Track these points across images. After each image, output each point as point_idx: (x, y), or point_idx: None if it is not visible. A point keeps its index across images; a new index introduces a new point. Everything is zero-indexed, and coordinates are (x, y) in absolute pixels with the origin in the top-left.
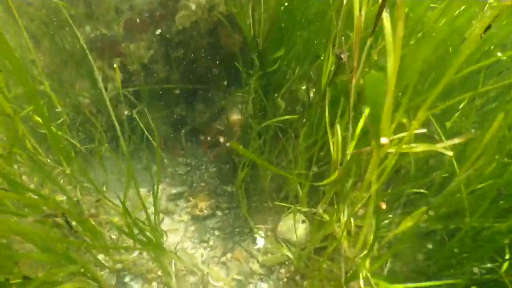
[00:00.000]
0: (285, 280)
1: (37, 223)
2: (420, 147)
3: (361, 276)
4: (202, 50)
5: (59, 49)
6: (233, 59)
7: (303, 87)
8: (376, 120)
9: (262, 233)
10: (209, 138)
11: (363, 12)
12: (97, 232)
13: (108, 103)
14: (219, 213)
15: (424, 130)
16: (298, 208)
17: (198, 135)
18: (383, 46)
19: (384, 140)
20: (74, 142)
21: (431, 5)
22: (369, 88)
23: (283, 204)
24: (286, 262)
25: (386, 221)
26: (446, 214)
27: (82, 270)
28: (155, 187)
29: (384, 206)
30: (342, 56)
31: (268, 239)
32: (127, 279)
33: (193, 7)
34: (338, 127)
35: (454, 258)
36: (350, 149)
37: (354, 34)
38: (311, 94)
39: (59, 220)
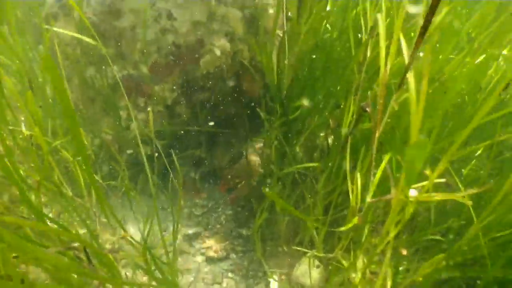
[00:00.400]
0: None
1: (59, 254)
2: (439, 196)
3: None
4: (225, 95)
5: (88, 87)
6: (254, 105)
7: (322, 135)
8: (411, 179)
9: (276, 277)
10: (227, 181)
11: (388, 68)
12: (115, 268)
13: (138, 137)
14: (233, 255)
15: (444, 180)
16: (315, 253)
17: (217, 177)
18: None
19: (413, 192)
20: (97, 178)
21: (450, 56)
22: (412, 152)
23: (299, 248)
24: None
25: (401, 268)
26: (464, 262)
27: None
28: (175, 225)
29: (405, 252)
30: (367, 109)
31: (282, 283)
32: None
33: (218, 52)
34: (358, 174)
35: None
36: (370, 196)
37: (379, 88)
38: (330, 142)
39: (79, 253)
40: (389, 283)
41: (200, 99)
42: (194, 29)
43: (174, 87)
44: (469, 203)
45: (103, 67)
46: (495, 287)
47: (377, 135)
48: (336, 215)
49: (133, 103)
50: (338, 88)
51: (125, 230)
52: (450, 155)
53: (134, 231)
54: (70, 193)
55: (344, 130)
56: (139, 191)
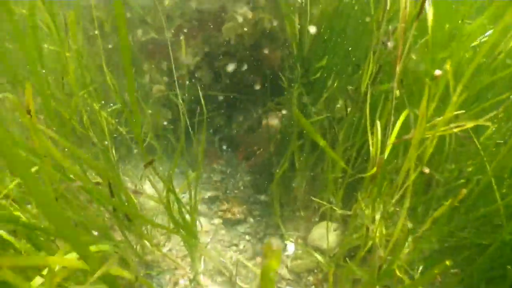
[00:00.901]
0: (313, 287)
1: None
2: (458, 127)
3: (396, 267)
4: (245, 62)
5: (111, 50)
6: (274, 72)
7: (339, 105)
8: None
9: (292, 240)
10: (245, 148)
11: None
12: (135, 208)
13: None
14: (250, 219)
15: (463, 112)
16: (333, 210)
17: (235, 144)
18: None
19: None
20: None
21: None
22: None
23: (317, 200)
24: (315, 270)
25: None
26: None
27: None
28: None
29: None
30: (388, 43)
31: (298, 246)
32: (154, 273)
33: (240, 19)
34: (378, 124)
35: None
36: (392, 138)
37: (399, 24)
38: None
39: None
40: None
41: (221, 65)
42: None
43: (197, 52)
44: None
45: (128, 31)
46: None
47: (398, 69)
48: (354, 175)
49: (157, 66)
50: (358, 50)
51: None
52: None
53: (152, 192)
54: (96, 139)
55: (363, 86)
56: (160, 154)
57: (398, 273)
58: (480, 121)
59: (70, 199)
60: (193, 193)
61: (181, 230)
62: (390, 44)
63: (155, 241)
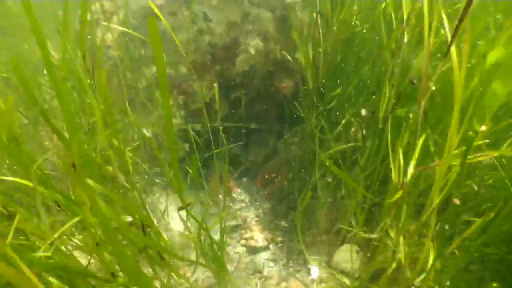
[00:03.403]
0: None
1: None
2: (486, 156)
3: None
4: (259, 92)
5: (127, 87)
6: (287, 101)
7: (353, 129)
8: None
9: (316, 264)
10: (263, 176)
11: (431, 41)
12: (167, 247)
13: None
14: (273, 246)
15: (487, 141)
16: (357, 231)
17: (253, 173)
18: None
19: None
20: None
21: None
22: None
23: (341, 226)
24: None
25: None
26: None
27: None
28: (222, 206)
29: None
30: (414, 81)
31: (322, 269)
32: None
33: (253, 51)
34: (400, 150)
35: None
36: (413, 167)
37: (423, 61)
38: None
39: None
40: (431, 257)
41: (236, 97)
42: (229, 29)
43: (212, 85)
44: None
45: (143, 68)
46: None
47: (423, 103)
48: (375, 199)
49: (173, 101)
50: (372, 78)
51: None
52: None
53: (175, 225)
54: (123, 179)
55: (381, 113)
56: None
57: None
58: (506, 151)
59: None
60: (221, 226)
61: (211, 264)
62: (415, 82)
63: (181, 271)
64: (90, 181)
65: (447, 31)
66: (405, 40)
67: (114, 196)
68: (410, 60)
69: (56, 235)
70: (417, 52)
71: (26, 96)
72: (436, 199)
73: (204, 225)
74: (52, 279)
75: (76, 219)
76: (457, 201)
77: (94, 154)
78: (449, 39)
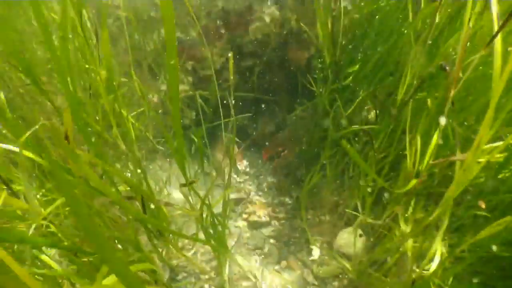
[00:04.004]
0: None
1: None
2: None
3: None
4: (271, 63)
5: (135, 49)
6: (300, 73)
7: (367, 107)
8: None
9: (318, 244)
10: (270, 149)
11: (470, 25)
12: (166, 220)
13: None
14: (275, 222)
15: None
16: (363, 218)
17: (260, 145)
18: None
19: None
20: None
21: None
22: None
23: (347, 210)
24: (340, 275)
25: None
26: None
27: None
28: (227, 179)
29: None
30: (446, 68)
31: (324, 251)
32: (180, 277)
33: (267, 19)
34: (418, 138)
35: None
36: (430, 158)
37: (460, 47)
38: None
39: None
40: (439, 251)
41: (247, 65)
42: None
43: (223, 52)
44: None
45: (152, 30)
46: None
47: (452, 93)
48: (386, 185)
49: (182, 66)
50: (391, 56)
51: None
52: None
53: (177, 196)
54: (124, 147)
55: (400, 96)
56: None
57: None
58: None
59: (103, 213)
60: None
61: (212, 241)
62: (448, 68)
63: (180, 244)
64: (85, 155)
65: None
66: (436, 20)
67: (111, 169)
68: (438, 43)
69: (48, 210)
70: (446, 35)
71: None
72: (452, 195)
73: (206, 201)
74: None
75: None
76: (483, 205)
77: (96, 118)
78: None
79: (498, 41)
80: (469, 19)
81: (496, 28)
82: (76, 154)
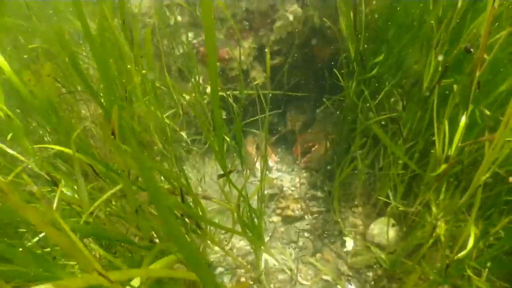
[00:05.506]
0: (372, 283)
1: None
2: None
3: (467, 269)
4: (297, 60)
5: (162, 54)
6: (326, 69)
7: (392, 99)
8: None
9: (351, 236)
10: (300, 145)
11: (496, 5)
12: (204, 212)
13: None
14: (309, 216)
15: None
16: (395, 205)
17: (290, 141)
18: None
19: None
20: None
21: None
22: None
23: (380, 198)
24: (374, 266)
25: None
26: None
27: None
28: (263, 173)
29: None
30: (471, 49)
31: (357, 242)
32: (217, 271)
33: (291, 18)
34: (446, 123)
35: None
36: (459, 140)
37: (484, 28)
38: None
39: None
40: (472, 235)
41: (273, 64)
42: None
43: (249, 52)
44: None
45: (179, 35)
46: None
47: (477, 75)
48: (414, 172)
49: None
50: (414, 46)
51: (228, 178)
52: None
53: (212, 192)
54: (160, 145)
55: (426, 83)
56: (215, 155)
57: (467, 271)
58: None
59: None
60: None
61: (249, 233)
62: (472, 49)
63: (217, 239)
64: (128, 149)
65: None
66: (459, 4)
67: (154, 163)
68: (460, 28)
69: (96, 204)
70: (470, 17)
71: (70, 63)
72: (483, 177)
73: (243, 194)
74: (93, 245)
75: (117, 187)
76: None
77: (132, 120)
78: None
79: None
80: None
81: None
82: (121, 148)
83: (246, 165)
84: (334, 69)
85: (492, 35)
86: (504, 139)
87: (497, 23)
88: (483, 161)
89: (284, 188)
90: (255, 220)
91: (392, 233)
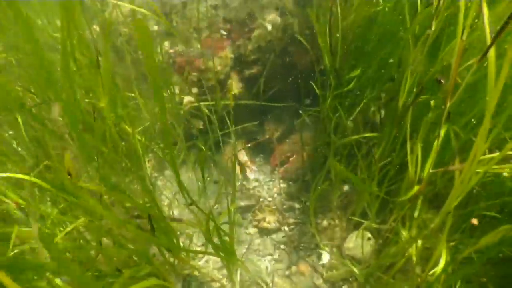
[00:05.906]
0: None
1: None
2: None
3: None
4: (275, 69)
5: (140, 64)
6: (304, 79)
7: (372, 109)
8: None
9: (327, 249)
10: (278, 155)
11: (464, 37)
12: (175, 236)
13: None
14: (285, 228)
15: None
16: (369, 223)
17: (268, 151)
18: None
19: None
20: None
21: None
22: None
23: (353, 218)
24: (350, 279)
25: (452, 243)
26: None
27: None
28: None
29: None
30: (442, 81)
31: (333, 255)
32: (193, 286)
33: (269, 27)
34: (418, 145)
35: None
36: (430, 167)
37: (454, 61)
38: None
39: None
40: (443, 257)
41: (251, 73)
42: (245, 3)
43: (226, 62)
44: None
45: (156, 44)
46: None
47: (447, 105)
48: (389, 188)
49: (186, 78)
50: (391, 60)
51: (191, 198)
52: None
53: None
54: (129, 164)
55: (401, 102)
56: (192, 166)
57: None
58: None
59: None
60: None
61: (221, 253)
62: (442, 81)
63: (192, 253)
64: (89, 186)
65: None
66: (433, 28)
67: (116, 195)
68: (435, 51)
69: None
70: (443, 40)
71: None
72: (453, 204)
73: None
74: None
75: (81, 220)
76: (475, 222)
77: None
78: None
79: (492, 52)
80: (462, 32)
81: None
82: (79, 188)
83: (223, 176)
84: (311, 82)
85: (466, 59)
86: (472, 172)
87: (469, 47)
88: (453, 189)
89: (261, 199)
90: (227, 238)
91: (367, 247)
